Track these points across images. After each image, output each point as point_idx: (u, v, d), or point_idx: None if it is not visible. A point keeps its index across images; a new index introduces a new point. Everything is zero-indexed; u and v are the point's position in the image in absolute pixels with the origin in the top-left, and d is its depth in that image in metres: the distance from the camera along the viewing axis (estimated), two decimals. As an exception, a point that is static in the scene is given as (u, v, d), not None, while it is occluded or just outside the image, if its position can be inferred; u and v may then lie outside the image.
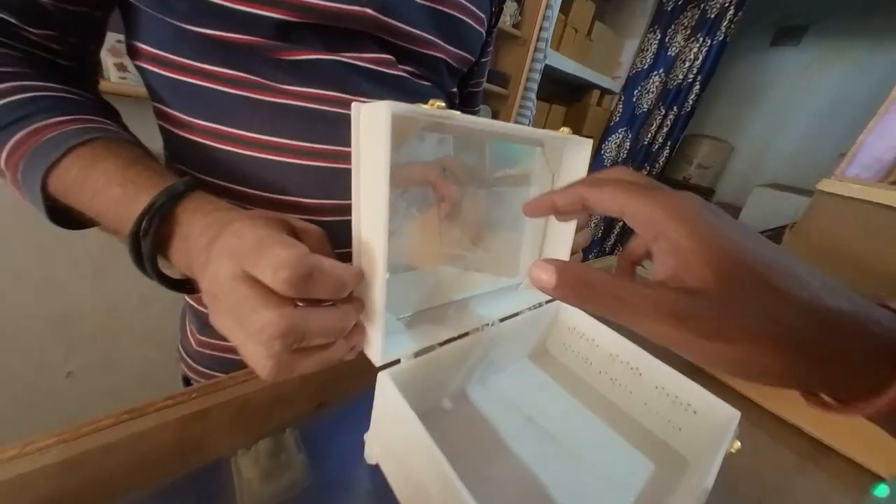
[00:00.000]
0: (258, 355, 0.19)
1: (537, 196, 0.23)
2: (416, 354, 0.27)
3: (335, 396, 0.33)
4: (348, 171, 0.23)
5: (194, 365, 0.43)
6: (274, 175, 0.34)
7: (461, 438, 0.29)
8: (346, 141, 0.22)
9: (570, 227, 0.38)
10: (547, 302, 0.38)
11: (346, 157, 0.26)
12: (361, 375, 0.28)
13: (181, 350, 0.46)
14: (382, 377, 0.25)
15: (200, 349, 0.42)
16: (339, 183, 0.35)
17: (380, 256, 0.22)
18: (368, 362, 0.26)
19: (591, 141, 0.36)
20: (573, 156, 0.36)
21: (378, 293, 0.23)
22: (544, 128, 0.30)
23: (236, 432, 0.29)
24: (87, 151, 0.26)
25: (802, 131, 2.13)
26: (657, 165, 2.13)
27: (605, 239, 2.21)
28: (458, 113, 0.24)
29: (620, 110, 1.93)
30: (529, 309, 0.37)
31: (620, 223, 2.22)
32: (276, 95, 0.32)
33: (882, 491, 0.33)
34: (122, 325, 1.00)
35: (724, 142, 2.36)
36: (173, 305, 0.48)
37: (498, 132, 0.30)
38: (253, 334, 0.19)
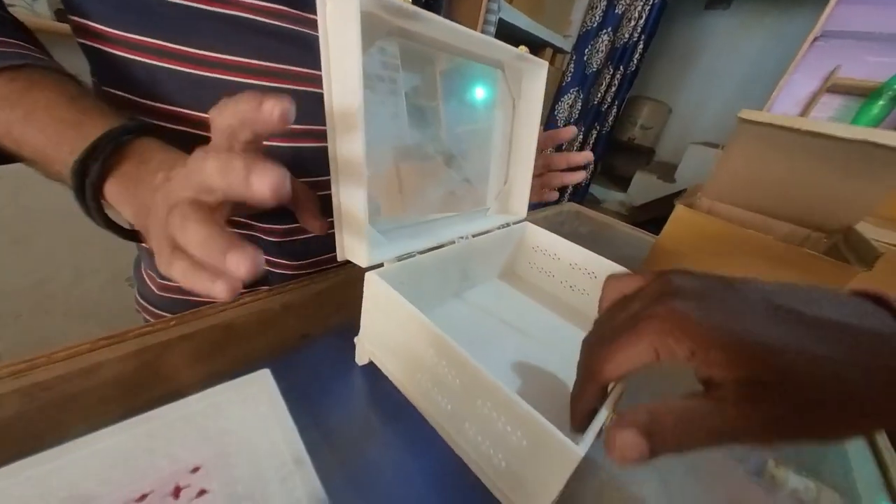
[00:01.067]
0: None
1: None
2: (399, 260, 0.28)
3: (318, 329, 0.34)
4: (311, 94, 0.23)
5: (159, 311, 0.42)
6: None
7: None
8: (305, 61, 0.22)
9: (530, 156, 0.40)
10: (515, 223, 0.41)
11: (306, 79, 0.26)
12: (345, 310, 0.29)
13: (141, 300, 0.43)
14: (370, 276, 0.26)
15: (163, 293, 0.41)
16: (303, 106, 0.34)
17: (359, 151, 0.23)
18: (351, 295, 0.27)
19: (546, 63, 0.38)
20: (531, 81, 0.38)
21: (360, 195, 0.23)
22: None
23: (218, 360, 0.29)
24: (22, 76, 0.24)
25: (729, 93, 2.33)
26: (606, 126, 2.24)
27: (560, 199, 2.32)
28: (427, 12, 0.25)
29: (572, 70, 1.98)
30: (499, 228, 0.39)
31: (572, 185, 2.33)
32: (225, 6, 0.30)
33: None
34: (55, 303, 0.90)
35: (663, 103, 2.52)
36: (113, 278, 0.45)
37: (463, 41, 0.31)
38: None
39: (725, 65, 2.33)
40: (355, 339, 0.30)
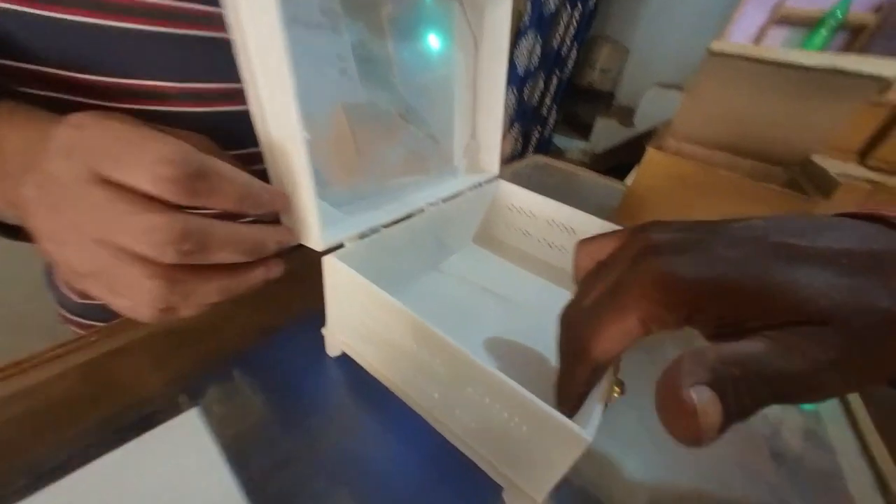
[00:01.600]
0: (137, 276, 0.15)
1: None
2: (361, 237, 0.25)
3: (280, 319, 0.30)
4: (219, 41, 0.17)
5: (88, 322, 0.36)
6: (115, 50, 0.24)
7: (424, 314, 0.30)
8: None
9: (499, 102, 0.36)
10: (487, 182, 0.38)
11: (215, 22, 0.19)
12: (310, 295, 0.25)
13: (64, 312, 0.37)
14: (328, 261, 0.22)
15: (85, 300, 0.35)
16: (219, 58, 0.27)
17: (290, 109, 0.18)
18: (316, 278, 0.23)
19: (512, -8, 0.33)
20: (495, 11, 0.33)
21: (300, 164, 0.19)
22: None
23: (172, 366, 0.25)
24: None
25: (684, 32, 2.31)
26: (566, 71, 2.17)
27: (525, 151, 2.28)
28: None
29: (529, 11, 1.86)
30: (471, 189, 0.36)
31: (535, 138, 2.29)
32: None
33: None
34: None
35: (621, 45, 2.47)
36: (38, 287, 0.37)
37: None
38: (132, 242, 0.14)
39: (678, 2, 2.28)
40: (323, 331, 0.26)
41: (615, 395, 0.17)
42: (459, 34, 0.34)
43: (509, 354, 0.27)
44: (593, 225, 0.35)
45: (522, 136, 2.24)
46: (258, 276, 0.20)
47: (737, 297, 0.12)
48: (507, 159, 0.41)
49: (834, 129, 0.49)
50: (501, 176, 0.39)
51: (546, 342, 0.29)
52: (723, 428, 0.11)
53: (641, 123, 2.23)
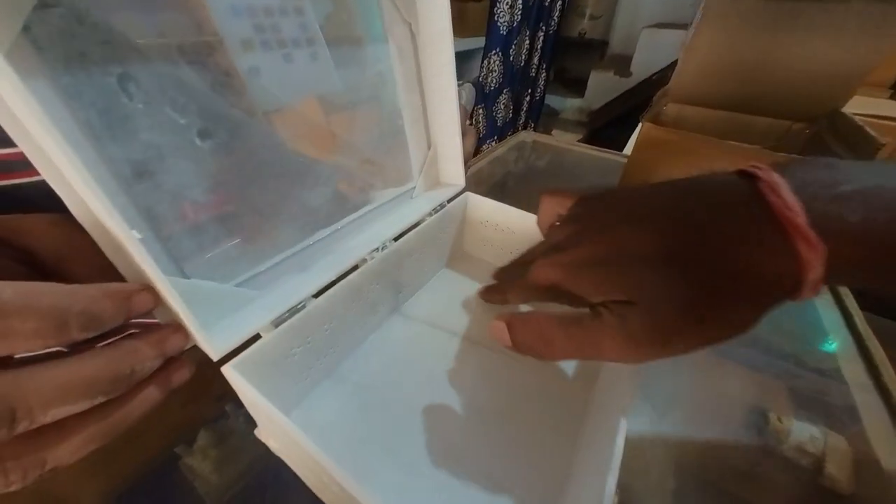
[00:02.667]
0: None
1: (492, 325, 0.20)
2: (278, 322, 0.19)
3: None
4: None
5: None
6: None
7: (383, 383, 0.25)
8: None
9: (452, 101, 0.29)
10: (449, 201, 0.32)
11: None
12: None
13: None
14: (228, 373, 0.17)
15: None
16: None
17: (73, 166, 0.12)
18: None
19: (447, -44, 0.25)
20: (431, -12, 0.26)
21: (135, 249, 0.13)
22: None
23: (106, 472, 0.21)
24: None
25: (679, -42, 2.07)
26: (552, 23, 1.99)
27: (517, 119, 2.15)
28: None
29: (504, -41, 1.67)
30: (431, 214, 0.30)
31: (527, 102, 2.15)
32: None
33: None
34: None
35: (610, -16, 2.24)
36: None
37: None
38: None
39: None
40: (256, 433, 0.22)
41: None
42: (389, 22, 0.27)
43: (484, 438, 0.22)
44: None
45: (513, 103, 2.10)
46: (146, 401, 0.15)
47: (582, 287, 0.17)
48: (470, 157, 0.34)
49: (869, 71, 0.41)
50: (487, 162, 0.33)
51: (534, 407, 0.24)
52: (517, 349, 0.19)
53: (639, 71, 2.07)
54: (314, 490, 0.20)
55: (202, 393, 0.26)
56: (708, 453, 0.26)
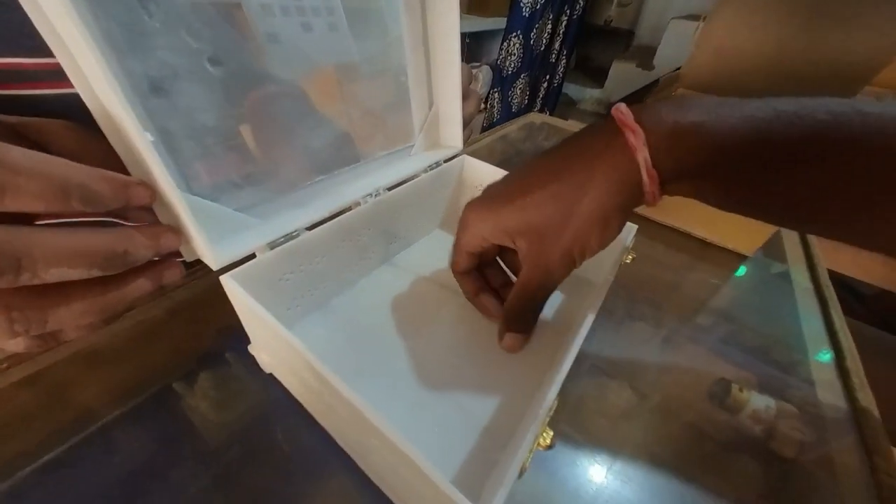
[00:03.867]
0: None
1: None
2: (273, 246, 0.21)
3: (221, 334, 0.27)
4: None
5: None
6: None
7: (370, 321, 0.27)
8: None
9: (455, 63, 0.30)
10: (446, 161, 0.33)
11: None
12: None
13: None
14: (226, 282, 0.19)
15: None
16: None
17: (118, 104, 0.14)
18: None
19: None
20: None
21: (149, 157, 0.15)
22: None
23: (77, 402, 0.24)
24: None
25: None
26: (577, 8, 1.93)
27: (532, 105, 2.12)
28: None
29: (534, -63, 1.62)
30: (427, 170, 0.31)
31: (544, 89, 2.11)
32: None
33: (741, 272, 0.38)
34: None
35: (643, -30, 2.16)
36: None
37: None
38: None
39: None
40: (249, 349, 0.24)
41: (541, 445, 0.14)
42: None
43: (459, 372, 0.24)
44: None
45: (530, 89, 2.06)
46: (138, 288, 0.17)
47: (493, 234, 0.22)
48: (471, 120, 0.35)
49: (891, 61, 0.40)
50: (493, 140, 0.34)
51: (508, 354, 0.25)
52: (528, 338, 0.25)
53: (662, 64, 2.01)
54: (305, 404, 0.22)
55: (204, 327, 0.28)
56: (672, 416, 0.27)
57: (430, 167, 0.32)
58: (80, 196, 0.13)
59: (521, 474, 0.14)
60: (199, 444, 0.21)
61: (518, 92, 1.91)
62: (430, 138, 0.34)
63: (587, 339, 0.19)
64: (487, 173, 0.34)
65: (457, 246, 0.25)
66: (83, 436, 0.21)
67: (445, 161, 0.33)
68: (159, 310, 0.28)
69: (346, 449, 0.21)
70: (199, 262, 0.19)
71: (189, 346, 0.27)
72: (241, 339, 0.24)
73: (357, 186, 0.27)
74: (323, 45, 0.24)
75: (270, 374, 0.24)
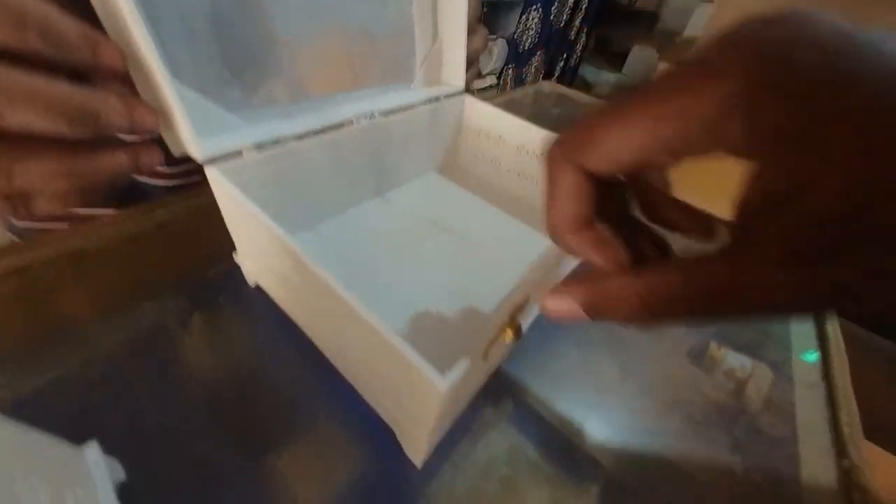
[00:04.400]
0: None
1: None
2: (259, 148, 0.21)
3: (206, 251, 0.27)
4: None
5: None
6: None
7: (358, 246, 0.27)
8: None
9: (462, 4, 0.29)
10: (446, 97, 0.32)
11: None
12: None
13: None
14: (210, 173, 0.19)
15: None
16: None
17: None
18: None
19: None
20: None
21: (138, 35, 0.15)
22: None
23: (58, 308, 0.24)
24: None
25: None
26: (602, -17, 1.85)
27: (548, 79, 2.06)
28: None
29: None
30: (425, 103, 0.31)
31: (559, 68, 2.05)
32: None
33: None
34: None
35: (675, -52, 2.05)
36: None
37: None
38: None
39: None
40: (234, 255, 0.24)
41: (507, 339, 0.14)
42: None
43: (438, 289, 0.25)
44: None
45: (545, 67, 2.00)
46: (112, 162, 0.16)
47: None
48: (476, 57, 0.34)
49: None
50: (496, 104, 0.33)
51: (495, 283, 0.25)
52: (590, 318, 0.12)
53: (687, 51, 1.94)
54: (288, 312, 0.23)
55: (192, 244, 0.28)
56: (651, 374, 0.27)
57: (429, 101, 0.31)
58: (39, 29, 0.13)
59: (486, 356, 0.14)
60: (180, 352, 0.22)
61: (533, 70, 1.85)
62: (432, 75, 0.33)
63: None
64: (491, 116, 0.33)
65: (562, 181, 0.12)
66: (60, 336, 0.21)
67: (446, 98, 0.32)
68: (150, 222, 0.28)
69: (328, 354, 0.21)
70: (189, 180, 0.19)
71: (176, 260, 0.27)
72: (229, 257, 0.24)
73: (351, 108, 0.26)
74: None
75: (257, 288, 0.25)
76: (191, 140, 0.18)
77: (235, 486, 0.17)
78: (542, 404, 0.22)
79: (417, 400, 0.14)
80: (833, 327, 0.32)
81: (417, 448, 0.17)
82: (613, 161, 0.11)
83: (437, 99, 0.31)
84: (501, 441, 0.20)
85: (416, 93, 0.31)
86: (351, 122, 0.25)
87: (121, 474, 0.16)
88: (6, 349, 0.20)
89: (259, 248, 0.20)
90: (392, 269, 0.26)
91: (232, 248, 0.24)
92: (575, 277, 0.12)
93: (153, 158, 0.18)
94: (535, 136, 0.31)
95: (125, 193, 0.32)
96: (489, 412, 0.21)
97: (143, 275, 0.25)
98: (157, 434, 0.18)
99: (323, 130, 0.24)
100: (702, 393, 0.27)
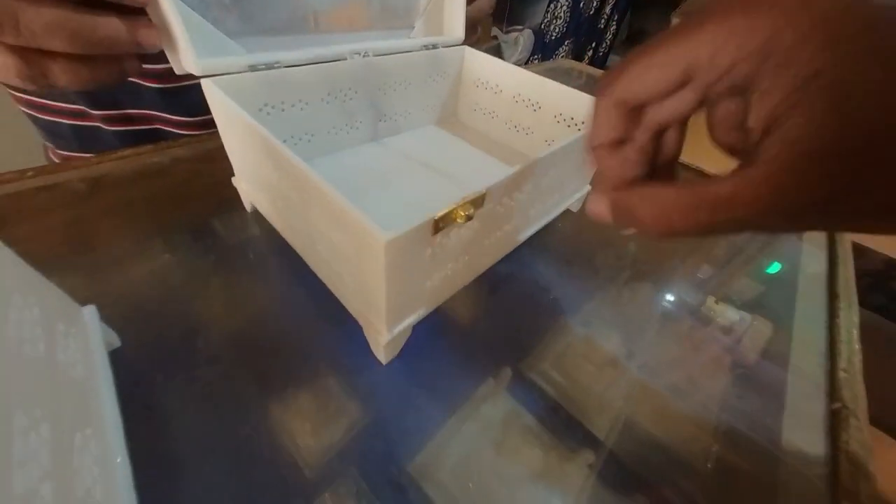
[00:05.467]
0: None
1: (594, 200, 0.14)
2: (253, 69, 0.22)
3: (215, 186, 0.29)
4: None
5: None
6: None
7: (354, 179, 0.28)
8: None
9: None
10: (444, 46, 0.33)
11: None
12: None
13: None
14: (206, 85, 0.21)
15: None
16: None
17: None
18: None
19: None
20: None
21: None
22: None
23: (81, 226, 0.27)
24: None
25: None
26: (636, -31, 1.79)
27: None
28: None
29: None
30: (422, 49, 0.31)
31: (588, 58, 1.99)
32: None
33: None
34: None
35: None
36: None
37: None
38: None
39: None
40: (232, 180, 0.26)
41: (457, 219, 0.15)
42: None
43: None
44: (560, 96, 0.30)
45: (572, 56, 1.96)
46: (111, 25, 0.18)
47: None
48: (480, 17, 0.34)
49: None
50: None
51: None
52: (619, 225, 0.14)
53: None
54: (277, 227, 0.24)
55: (202, 177, 0.30)
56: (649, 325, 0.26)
57: (427, 47, 0.32)
58: None
59: (435, 231, 0.14)
60: (184, 259, 0.24)
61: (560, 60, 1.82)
62: (433, 24, 0.33)
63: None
64: (485, 66, 0.33)
65: (610, 90, 0.13)
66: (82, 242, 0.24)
67: (445, 48, 0.33)
68: (164, 157, 0.31)
69: (306, 259, 0.22)
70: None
71: (185, 188, 0.29)
72: (229, 186, 0.26)
73: (348, 47, 0.27)
74: None
75: (254, 212, 0.26)
76: (190, 58, 0.20)
77: (218, 361, 0.19)
78: (541, 375, 0.22)
79: (369, 265, 0.15)
80: (845, 269, 0.30)
81: (379, 341, 0.18)
82: (643, 90, 0.12)
83: (434, 46, 0.32)
84: (497, 407, 0.20)
85: (414, 40, 0.31)
86: (345, 59, 0.26)
87: (116, 341, 0.18)
88: (37, 253, 0.23)
89: (249, 159, 0.22)
90: (376, 196, 0.27)
91: (231, 174, 0.26)
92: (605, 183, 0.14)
93: (151, 37, 0.19)
94: (527, 84, 0.31)
95: (148, 135, 0.35)
96: (490, 381, 0.21)
97: (155, 199, 0.28)
98: (152, 314, 0.20)
99: (317, 62, 0.25)
100: (700, 350, 0.26)
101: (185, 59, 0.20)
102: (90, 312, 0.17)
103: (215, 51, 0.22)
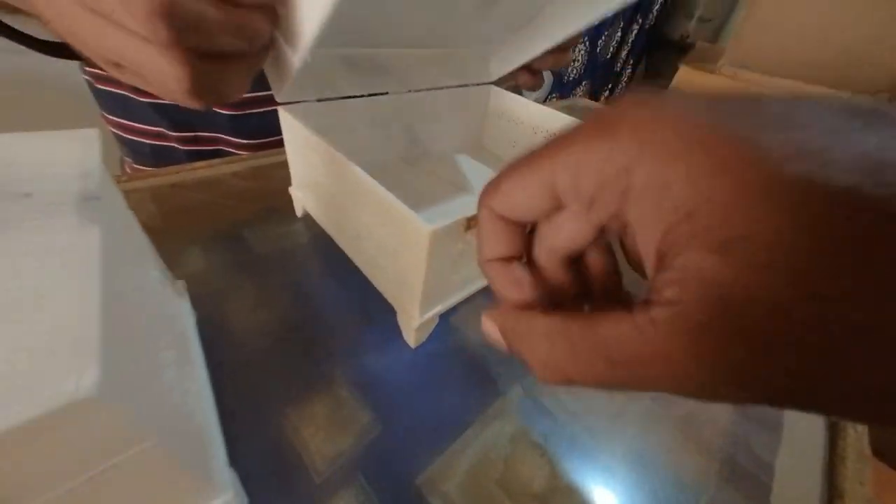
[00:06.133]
0: (152, 57, 0.16)
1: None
2: (320, 100, 0.27)
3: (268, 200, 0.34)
4: None
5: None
6: None
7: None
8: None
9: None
10: (476, 85, 0.38)
11: None
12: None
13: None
14: (282, 113, 0.25)
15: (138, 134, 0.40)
16: None
17: None
18: None
19: None
20: None
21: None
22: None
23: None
24: None
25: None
26: (649, 17, 1.90)
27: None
28: None
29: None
30: (456, 87, 0.36)
31: (604, 99, 2.08)
32: None
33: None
34: None
35: (730, -15, 2.06)
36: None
37: None
38: (134, 23, 0.15)
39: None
40: (290, 190, 0.30)
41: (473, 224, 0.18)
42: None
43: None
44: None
45: (589, 97, 2.05)
46: (263, 59, 0.20)
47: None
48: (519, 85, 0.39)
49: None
50: None
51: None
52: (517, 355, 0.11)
53: (740, 82, 1.88)
54: (325, 227, 0.28)
55: (261, 189, 0.35)
56: None
57: (460, 86, 0.36)
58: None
59: (467, 229, 0.18)
60: (244, 259, 0.28)
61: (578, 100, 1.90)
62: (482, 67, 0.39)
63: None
64: (516, 105, 0.38)
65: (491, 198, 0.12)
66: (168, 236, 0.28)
67: (474, 85, 0.38)
68: (227, 170, 0.36)
69: (349, 253, 0.26)
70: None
71: (244, 198, 0.34)
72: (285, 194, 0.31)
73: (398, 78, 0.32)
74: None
75: (304, 216, 0.31)
76: (283, 89, 0.24)
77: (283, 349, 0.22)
78: (551, 394, 0.23)
79: (412, 253, 0.18)
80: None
81: (412, 325, 0.21)
82: (515, 209, 0.11)
83: (465, 85, 0.37)
84: (506, 425, 0.21)
85: (448, 79, 0.37)
86: (386, 93, 0.31)
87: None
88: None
89: (311, 171, 0.26)
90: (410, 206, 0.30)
91: (288, 183, 0.31)
92: (499, 306, 0.12)
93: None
94: (548, 117, 0.35)
95: (212, 154, 0.41)
96: (500, 398, 0.22)
97: (220, 205, 0.32)
98: (219, 293, 0.24)
99: (368, 94, 0.30)
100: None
101: (279, 87, 0.25)
102: (181, 284, 0.21)
103: (304, 91, 0.27)
